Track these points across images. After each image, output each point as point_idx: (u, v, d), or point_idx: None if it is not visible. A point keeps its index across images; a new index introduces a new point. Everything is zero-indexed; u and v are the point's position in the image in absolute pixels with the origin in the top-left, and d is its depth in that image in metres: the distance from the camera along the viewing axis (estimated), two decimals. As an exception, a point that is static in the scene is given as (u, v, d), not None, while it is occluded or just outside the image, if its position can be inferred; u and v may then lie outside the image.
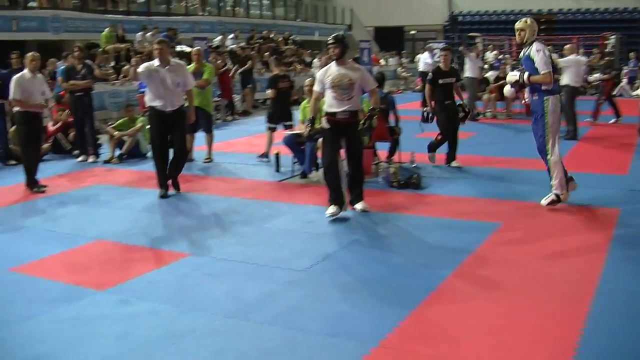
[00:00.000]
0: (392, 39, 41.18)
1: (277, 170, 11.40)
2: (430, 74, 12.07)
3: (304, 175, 10.82)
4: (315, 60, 26.43)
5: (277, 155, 11.48)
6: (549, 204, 8.55)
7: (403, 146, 11.69)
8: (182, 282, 6.36)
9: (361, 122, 8.48)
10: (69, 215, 9.06)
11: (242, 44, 26.09)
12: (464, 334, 5.10)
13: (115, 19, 23.95)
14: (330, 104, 8.53)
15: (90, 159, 13.05)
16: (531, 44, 8.45)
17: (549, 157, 8.47)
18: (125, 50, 21.51)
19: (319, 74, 8.91)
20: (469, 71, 18.52)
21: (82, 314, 5.66)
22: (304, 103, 11.35)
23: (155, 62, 9.80)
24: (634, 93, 23.80)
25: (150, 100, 9.79)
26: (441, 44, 30.47)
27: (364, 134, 8.97)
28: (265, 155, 12.47)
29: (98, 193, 10.29)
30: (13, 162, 12.97)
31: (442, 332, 5.16)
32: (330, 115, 8.52)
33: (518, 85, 9.01)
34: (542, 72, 8.30)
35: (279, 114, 12.61)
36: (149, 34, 23.16)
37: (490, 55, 28.03)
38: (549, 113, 8.39)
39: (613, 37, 32.08)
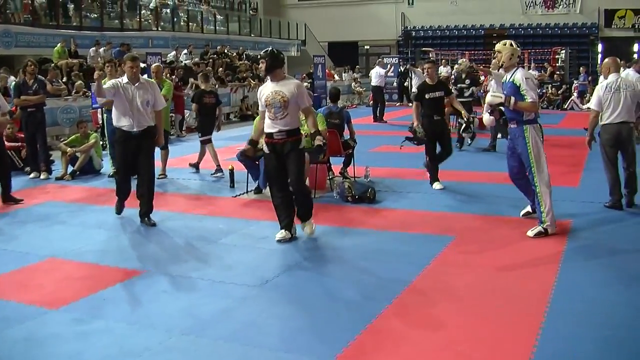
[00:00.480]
0: (346, 53, 41.48)
1: (232, 186, 11.38)
2: (415, 89, 11.93)
3: (258, 190, 10.79)
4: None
5: (232, 171, 11.45)
6: (535, 235, 8.11)
7: (357, 160, 11.74)
8: (137, 299, 6.31)
9: (312, 147, 8.10)
10: (21, 233, 8.92)
11: (196, 60, 26.03)
12: (421, 347, 5.13)
13: (68, 34, 23.72)
14: (267, 124, 8.03)
15: (42, 176, 12.90)
16: (515, 69, 8.15)
17: (537, 189, 8.10)
18: (78, 66, 21.33)
19: (258, 91, 8.45)
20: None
21: (34, 333, 5.58)
22: (257, 119, 11.31)
23: (124, 79, 9.14)
24: (584, 106, 24.19)
25: (116, 119, 9.12)
26: (394, 58, 30.90)
27: (316, 157, 8.53)
28: (219, 169, 12.50)
29: (50, 210, 10.15)
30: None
31: (399, 344, 5.18)
32: (268, 137, 8.04)
33: (498, 112, 8.69)
34: (529, 100, 7.95)
35: (208, 126, 13.00)
36: (102, 49, 23.02)
37: (443, 70, 28.31)
38: (530, 144, 8.03)
39: (563, 51, 32.67)
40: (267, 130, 8.01)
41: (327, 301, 6.15)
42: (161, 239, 8.42)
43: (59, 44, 21.94)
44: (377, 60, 27.20)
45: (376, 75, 23.51)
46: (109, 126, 12.88)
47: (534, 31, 38.80)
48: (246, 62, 29.61)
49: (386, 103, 24.65)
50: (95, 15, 27.77)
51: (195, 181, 12.23)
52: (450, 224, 8.71)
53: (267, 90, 8.00)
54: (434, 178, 11.06)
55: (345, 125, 11.73)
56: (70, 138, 13.84)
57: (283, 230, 8.13)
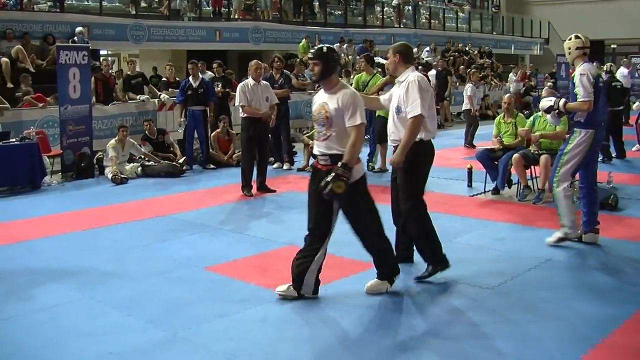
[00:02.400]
0: (591, 52, 39.40)
1: (470, 185, 11.26)
2: None
3: (496, 191, 10.60)
4: (511, 74, 25.98)
5: (470, 170, 11.34)
6: (555, 242, 7.79)
7: (600, 165, 11.23)
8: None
9: (322, 182, 5.89)
10: (263, 220, 9.34)
11: (438, 57, 26.02)
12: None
13: (313, 30, 24.53)
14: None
15: (285, 166, 13.44)
16: (581, 63, 7.64)
17: (555, 189, 7.75)
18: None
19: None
20: None
21: (270, 316, 5.82)
22: (498, 118, 11.17)
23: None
24: None
25: (429, 131, 6.63)
26: (643, 58, 29.22)
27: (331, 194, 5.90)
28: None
29: (291, 199, 10.53)
30: (212, 166, 13.57)
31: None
32: (315, 159, 6.35)
33: (557, 112, 7.90)
34: (579, 99, 7.45)
35: None
36: (345, 45, 23.56)
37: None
38: (572, 144, 7.60)
39: None
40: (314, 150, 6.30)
41: (559, 309, 5.91)
42: (394, 235, 8.41)
43: (303, 40, 22.76)
44: (622, 60, 25.93)
45: (620, 75, 22.37)
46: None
47: None
48: (487, 60, 29.24)
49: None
50: (339, 12, 28.49)
51: (431, 179, 12.18)
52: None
53: (316, 101, 6.27)
54: None
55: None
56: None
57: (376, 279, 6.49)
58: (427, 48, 26.81)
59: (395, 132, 6.65)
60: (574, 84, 7.58)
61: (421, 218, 6.65)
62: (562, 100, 7.72)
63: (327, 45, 6.40)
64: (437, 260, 6.63)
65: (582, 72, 7.50)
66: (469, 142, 16.60)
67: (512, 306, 6.01)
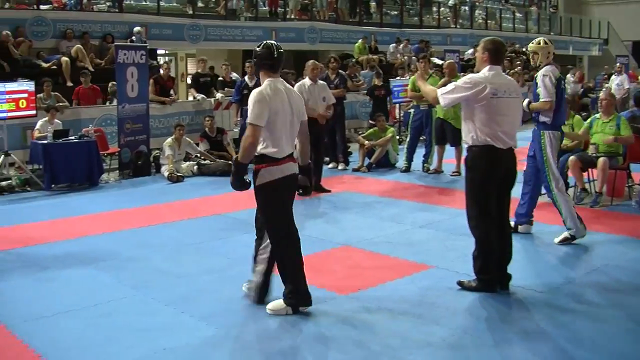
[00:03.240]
0: (650, 55, 38.92)
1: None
2: None
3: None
4: (569, 75, 25.59)
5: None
6: (561, 242, 7.97)
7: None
8: (423, 294, 6.33)
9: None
10: (318, 220, 9.32)
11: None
12: None
13: (369, 31, 24.51)
14: None
15: (340, 167, 13.42)
16: (544, 67, 7.87)
17: (554, 195, 8.06)
18: (378, 61, 21.93)
19: None
20: None
21: (322, 315, 5.80)
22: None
23: (502, 79, 6.30)
24: None
25: (485, 135, 6.17)
26: None
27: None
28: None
29: (346, 200, 10.52)
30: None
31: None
32: None
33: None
34: (542, 100, 7.78)
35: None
36: (401, 45, 23.50)
37: None
38: (545, 149, 7.96)
39: None
40: None
41: (617, 313, 5.84)
42: (451, 236, 8.37)
43: (359, 40, 22.78)
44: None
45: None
46: (414, 122, 13.13)
47: None
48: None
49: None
50: (396, 13, 28.41)
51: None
52: None
53: None
54: None
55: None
56: (369, 131, 14.27)
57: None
58: (484, 48, 26.59)
59: (465, 133, 6.35)
60: (536, 84, 7.91)
61: (482, 236, 6.36)
62: (526, 101, 7.95)
63: (267, 42, 5.96)
64: (481, 280, 6.34)
65: (544, 74, 7.81)
66: None
67: (568, 310, 5.93)
